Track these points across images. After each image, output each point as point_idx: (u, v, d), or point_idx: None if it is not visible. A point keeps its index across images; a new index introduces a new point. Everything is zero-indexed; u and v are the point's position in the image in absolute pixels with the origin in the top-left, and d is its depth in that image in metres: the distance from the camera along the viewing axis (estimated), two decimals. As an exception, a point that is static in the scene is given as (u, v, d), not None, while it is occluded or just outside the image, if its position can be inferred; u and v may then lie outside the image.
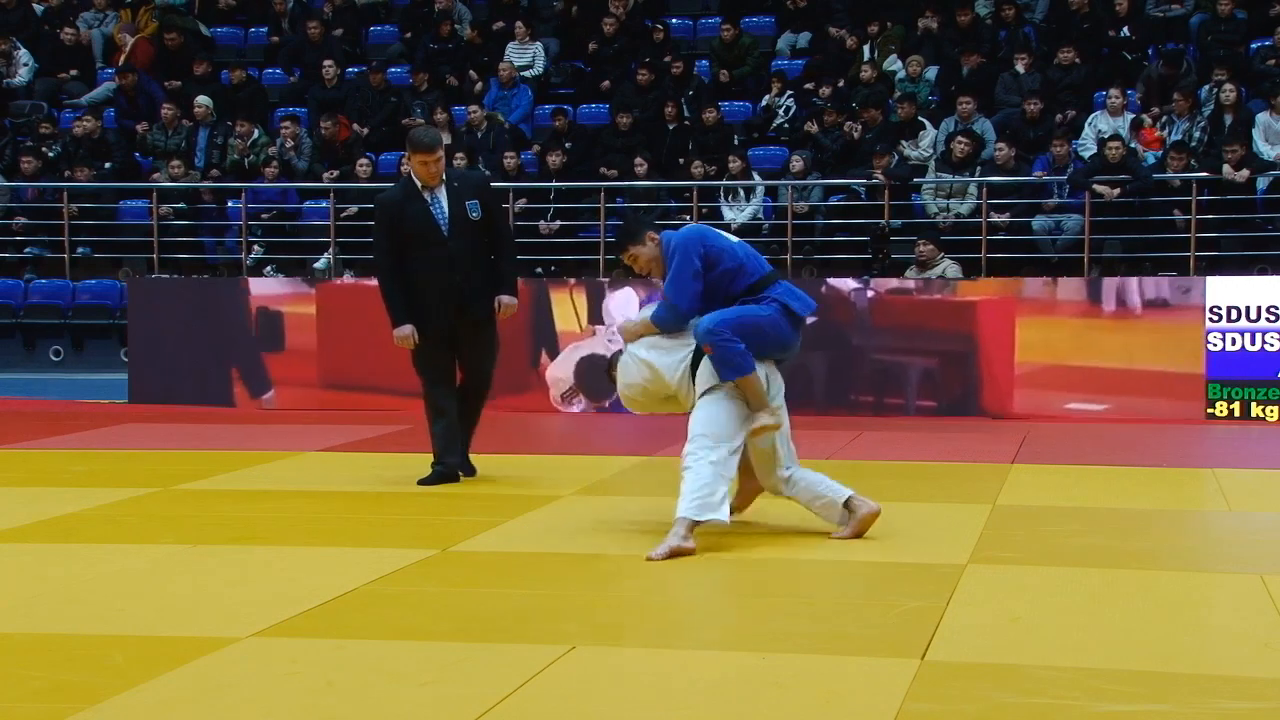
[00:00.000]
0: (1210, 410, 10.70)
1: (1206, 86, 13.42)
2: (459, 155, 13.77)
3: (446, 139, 14.19)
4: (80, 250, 14.15)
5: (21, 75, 16.07)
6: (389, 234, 7.53)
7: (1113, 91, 13.24)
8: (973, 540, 6.12)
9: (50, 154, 14.68)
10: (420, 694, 4.05)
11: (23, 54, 16.13)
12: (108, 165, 14.61)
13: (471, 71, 15.36)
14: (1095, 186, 12.39)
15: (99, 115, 15.18)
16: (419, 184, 7.54)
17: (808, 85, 14.43)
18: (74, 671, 4.24)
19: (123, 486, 7.58)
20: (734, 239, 6.35)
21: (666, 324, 6.16)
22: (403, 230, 7.50)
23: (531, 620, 4.88)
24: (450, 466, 7.63)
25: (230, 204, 14.11)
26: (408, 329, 7.52)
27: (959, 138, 12.95)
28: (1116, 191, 12.37)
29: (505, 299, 7.61)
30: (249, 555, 5.93)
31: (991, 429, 10.23)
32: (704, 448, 5.91)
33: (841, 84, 14.50)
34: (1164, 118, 13.22)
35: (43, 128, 15.01)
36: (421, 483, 7.56)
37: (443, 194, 7.54)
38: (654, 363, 6.12)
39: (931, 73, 14.47)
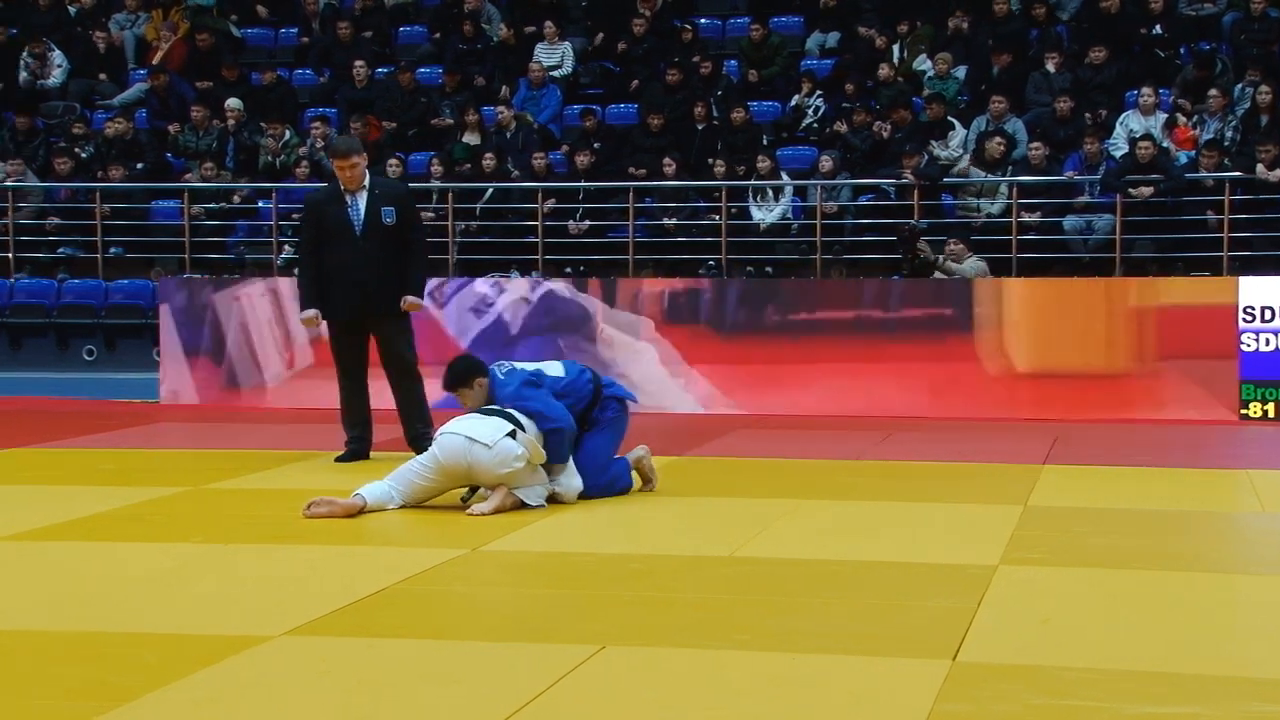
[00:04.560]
0: (1244, 411, 10.62)
1: (1240, 85, 13.34)
2: (488, 155, 13.79)
3: (476, 139, 14.25)
4: (113, 250, 14.23)
5: (55, 76, 16.18)
6: (309, 228, 8.49)
7: (1145, 91, 13.17)
8: (1004, 541, 6.09)
9: (83, 155, 14.78)
10: (450, 693, 4.06)
11: (56, 55, 16.24)
12: (140, 166, 14.69)
13: (504, 88, 15.37)
14: (1129, 189, 12.32)
15: (131, 116, 15.26)
16: (342, 188, 8.36)
17: (845, 85, 14.35)
18: (106, 670, 4.26)
19: (153, 485, 7.61)
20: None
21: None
22: (322, 227, 8.38)
23: (561, 620, 4.88)
24: (355, 442, 8.47)
25: (261, 204, 14.18)
26: (311, 311, 8.42)
27: (996, 138, 12.89)
28: (1150, 191, 12.30)
29: (409, 297, 8.46)
30: (279, 554, 5.95)
31: (1022, 430, 10.18)
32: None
33: (870, 84, 14.48)
34: (1196, 116, 13.14)
35: (76, 128, 15.11)
36: (338, 460, 8.40)
37: (362, 198, 8.36)
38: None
39: (961, 72, 14.42)
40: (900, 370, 11.05)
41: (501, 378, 7.06)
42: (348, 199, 8.34)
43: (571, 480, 6.97)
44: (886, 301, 11.34)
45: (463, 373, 7.13)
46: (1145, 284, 11.20)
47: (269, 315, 11.91)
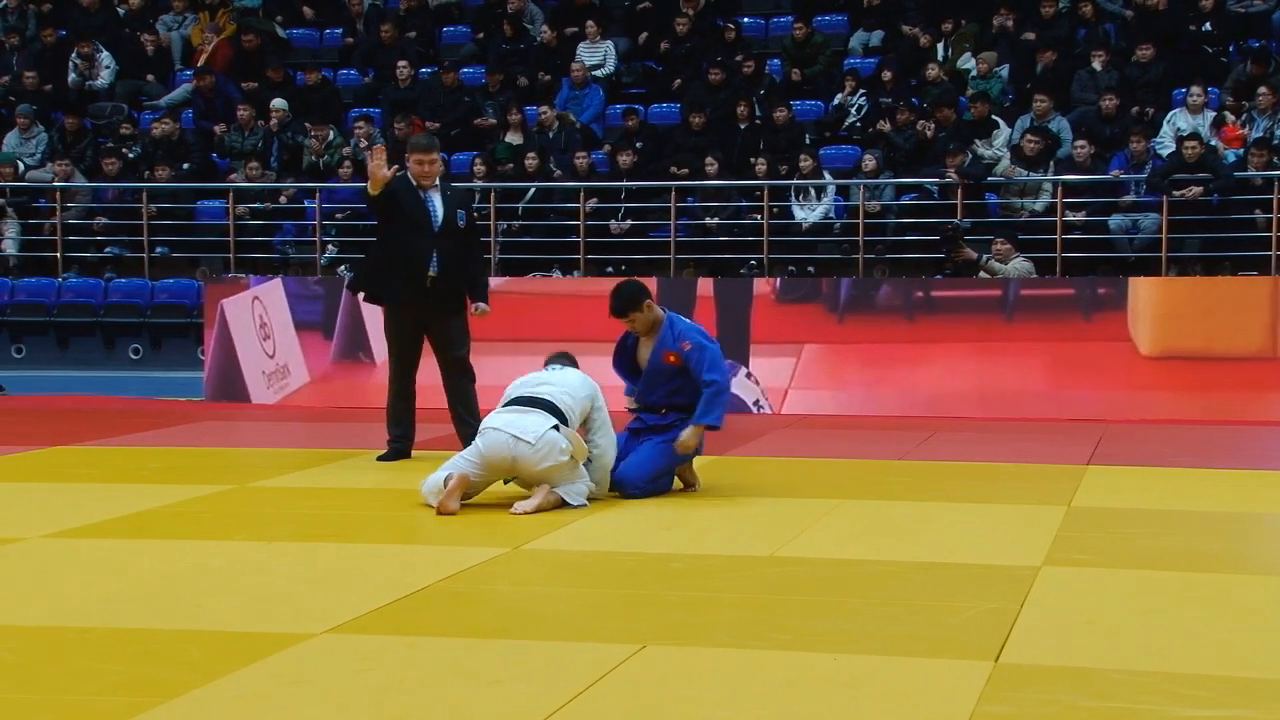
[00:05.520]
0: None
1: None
2: (530, 155, 13.82)
3: (519, 139, 14.29)
4: (159, 250, 14.35)
5: (103, 78, 16.32)
6: (381, 201, 8.27)
7: (1193, 90, 13.05)
8: (1047, 542, 6.05)
9: (130, 155, 14.90)
10: (491, 692, 4.06)
11: (104, 56, 16.39)
12: (185, 166, 14.80)
13: (542, 73, 15.41)
14: (1175, 190, 12.21)
15: (177, 117, 15.38)
16: (415, 183, 8.37)
17: (885, 79, 14.31)
18: (152, 666, 4.29)
19: (198, 483, 7.67)
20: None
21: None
22: (397, 214, 8.32)
23: (602, 619, 4.89)
24: (399, 441, 8.47)
25: (306, 204, 14.26)
26: (382, 172, 8.16)
27: (1028, 135, 12.84)
28: (1197, 191, 12.19)
29: (483, 305, 8.56)
30: (322, 552, 5.98)
31: (1067, 430, 10.12)
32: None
33: (914, 83, 14.44)
34: (1245, 114, 13.02)
35: (123, 129, 15.24)
36: (380, 459, 8.40)
37: (436, 196, 8.41)
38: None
39: (1005, 70, 14.34)
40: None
41: (684, 319, 7.30)
42: (421, 194, 8.37)
43: (601, 472, 7.01)
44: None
45: (633, 295, 7.17)
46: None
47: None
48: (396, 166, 8.51)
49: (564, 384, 6.91)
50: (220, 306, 12.16)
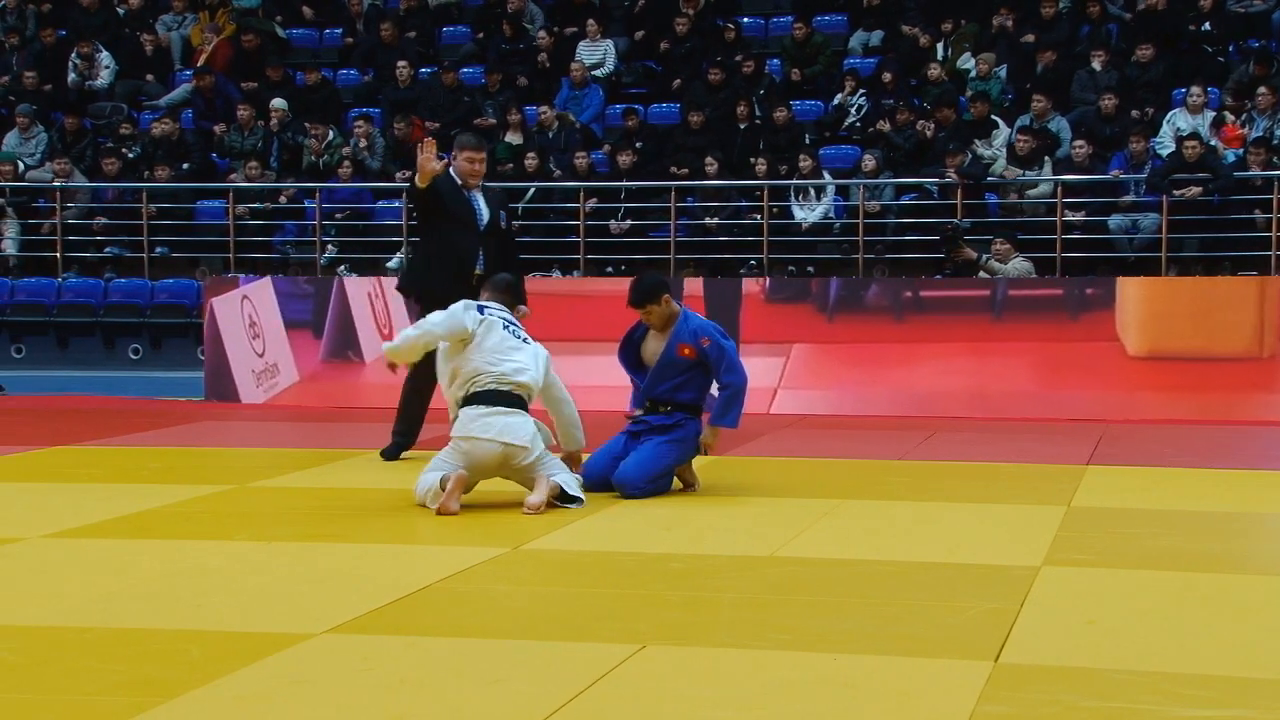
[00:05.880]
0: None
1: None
2: (530, 155, 13.82)
3: (519, 139, 14.29)
4: (159, 250, 14.35)
5: (103, 77, 16.32)
6: (426, 196, 8.11)
7: (1194, 90, 13.06)
8: (1047, 542, 6.06)
9: (130, 155, 14.91)
10: (491, 692, 4.07)
11: (104, 56, 16.39)
12: (185, 166, 14.80)
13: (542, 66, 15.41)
14: (1176, 190, 12.21)
15: (177, 117, 15.38)
16: (458, 182, 8.26)
17: (885, 79, 14.32)
18: (152, 665, 4.29)
19: (198, 483, 7.67)
20: None
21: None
22: (442, 210, 8.21)
23: (602, 619, 4.89)
24: (401, 436, 8.43)
25: (305, 203, 14.27)
26: (432, 165, 7.98)
27: (1019, 134, 12.87)
28: (1197, 191, 12.19)
29: (523, 307, 8.32)
30: (322, 552, 5.98)
31: (1066, 430, 10.12)
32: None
33: (914, 83, 14.44)
34: (1245, 114, 13.03)
35: (123, 129, 15.24)
36: (383, 454, 8.40)
37: (479, 196, 8.32)
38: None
39: (1005, 70, 14.35)
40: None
41: (698, 315, 7.38)
42: (465, 194, 8.31)
43: (571, 419, 7.20)
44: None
45: (653, 288, 7.25)
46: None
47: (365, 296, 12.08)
48: (445, 160, 8.43)
49: (535, 380, 6.97)
50: (210, 305, 12.17)
